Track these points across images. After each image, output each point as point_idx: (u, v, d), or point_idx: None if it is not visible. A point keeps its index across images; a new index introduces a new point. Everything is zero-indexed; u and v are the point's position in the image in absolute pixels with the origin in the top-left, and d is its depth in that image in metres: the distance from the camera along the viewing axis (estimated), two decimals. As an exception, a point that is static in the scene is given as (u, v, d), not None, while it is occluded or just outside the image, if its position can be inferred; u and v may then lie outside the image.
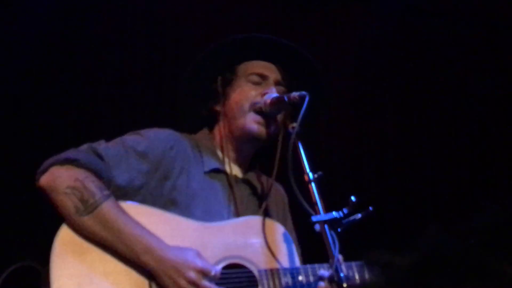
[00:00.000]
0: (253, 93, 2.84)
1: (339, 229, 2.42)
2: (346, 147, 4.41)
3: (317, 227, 2.43)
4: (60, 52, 4.12)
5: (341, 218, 2.44)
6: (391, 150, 4.46)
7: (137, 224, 2.57)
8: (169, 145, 2.79)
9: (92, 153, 2.64)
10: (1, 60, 3.99)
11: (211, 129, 2.97)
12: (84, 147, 2.67)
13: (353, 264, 2.65)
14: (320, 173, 2.53)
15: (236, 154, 2.91)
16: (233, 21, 4.20)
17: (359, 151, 4.47)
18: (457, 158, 4.38)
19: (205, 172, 2.85)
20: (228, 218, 2.80)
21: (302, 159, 2.56)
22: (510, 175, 4.26)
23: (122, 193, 2.65)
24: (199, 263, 2.52)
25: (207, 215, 2.75)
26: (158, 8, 4.30)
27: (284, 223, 2.95)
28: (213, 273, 2.53)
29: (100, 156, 2.64)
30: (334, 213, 2.44)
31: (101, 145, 2.69)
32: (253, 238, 2.73)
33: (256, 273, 2.67)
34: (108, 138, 2.79)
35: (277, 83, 2.87)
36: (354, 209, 2.47)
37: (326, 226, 2.41)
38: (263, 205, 2.86)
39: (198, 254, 2.56)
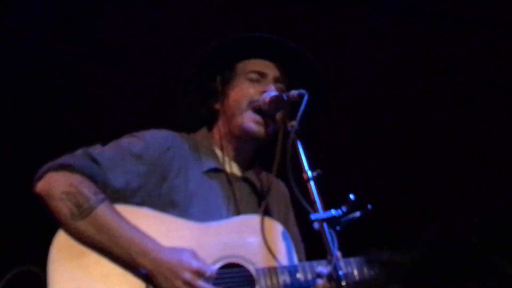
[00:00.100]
0: (251, 91, 2.84)
1: (338, 227, 2.43)
2: (345, 145, 4.41)
3: (316, 225, 2.43)
4: (58, 52, 4.11)
5: (340, 217, 2.44)
6: (391, 149, 4.47)
7: (132, 226, 2.58)
8: (166, 146, 2.80)
9: (87, 157, 2.66)
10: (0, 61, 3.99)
11: (210, 128, 2.97)
12: (79, 152, 2.69)
13: (352, 260, 2.65)
14: (319, 171, 2.53)
15: (235, 152, 2.91)
16: (233, 21, 4.20)
17: (358, 150, 4.47)
18: (457, 157, 4.39)
19: (204, 172, 2.85)
20: (228, 217, 2.79)
21: (301, 157, 2.56)
22: (510, 175, 4.26)
23: (119, 196, 2.67)
24: (194, 264, 2.53)
25: (206, 215, 2.75)
26: (157, 8, 4.30)
27: (286, 220, 2.95)
28: (208, 273, 2.54)
29: (95, 161, 2.66)
30: (333, 212, 2.44)
31: (97, 149, 2.71)
32: (250, 237, 2.73)
33: (253, 272, 2.67)
34: (108, 138, 2.80)
35: (276, 81, 2.87)
36: (353, 207, 2.47)
37: (325, 224, 2.41)
38: (263, 204, 2.86)
39: (194, 255, 2.57)
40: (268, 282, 2.65)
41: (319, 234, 2.43)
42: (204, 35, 4.12)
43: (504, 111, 4.35)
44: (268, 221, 2.78)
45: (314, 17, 4.42)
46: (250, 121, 2.81)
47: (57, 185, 2.59)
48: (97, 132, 3.96)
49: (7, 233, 3.84)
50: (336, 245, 2.39)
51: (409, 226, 2.80)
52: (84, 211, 2.56)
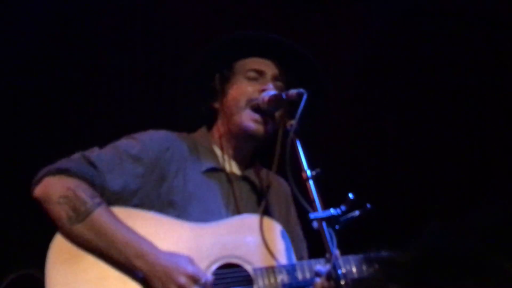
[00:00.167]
0: (250, 89, 2.83)
1: (337, 226, 2.42)
2: (344, 144, 4.41)
3: (315, 224, 2.43)
4: (57, 52, 4.11)
5: (339, 216, 2.44)
6: (390, 148, 4.47)
7: (129, 229, 2.60)
8: (164, 147, 2.80)
9: (84, 161, 2.68)
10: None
11: (210, 127, 2.96)
12: (77, 155, 2.71)
13: (350, 257, 2.65)
14: (318, 170, 2.52)
15: (234, 151, 2.90)
16: (232, 21, 4.19)
17: (357, 149, 4.47)
18: (457, 155, 4.39)
19: (203, 172, 2.85)
20: (227, 216, 2.79)
21: (300, 156, 2.56)
22: (511, 173, 4.26)
23: (118, 198, 2.68)
24: (190, 269, 2.54)
25: (205, 215, 2.75)
26: (156, 8, 4.29)
27: (287, 218, 2.94)
28: (203, 280, 2.55)
29: (92, 164, 2.67)
30: (332, 210, 2.44)
31: (94, 152, 2.73)
32: (248, 237, 2.73)
33: (251, 271, 2.67)
34: (107, 138, 2.81)
35: (274, 79, 2.86)
36: (352, 206, 2.47)
37: (324, 223, 2.41)
38: (262, 203, 2.86)
39: (190, 261, 2.58)
40: (266, 282, 2.65)
41: (318, 233, 2.43)
42: (203, 35, 4.12)
43: (504, 110, 4.35)
44: (267, 220, 2.77)
45: (314, 16, 4.42)
46: (249, 120, 2.81)
47: (54, 189, 2.61)
48: (96, 133, 3.96)
49: (7, 237, 3.84)
50: (335, 244, 2.38)
51: (408, 225, 2.79)
52: (81, 214, 2.58)
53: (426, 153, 4.42)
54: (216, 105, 2.91)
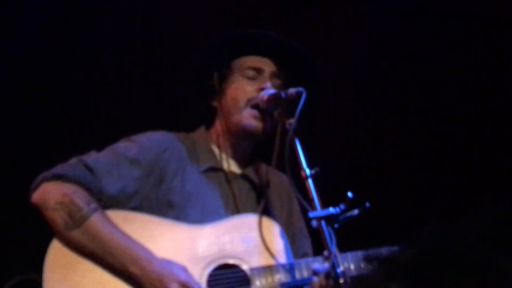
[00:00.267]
0: (249, 88, 2.83)
1: (336, 225, 2.42)
2: (343, 143, 4.41)
3: (314, 223, 2.43)
4: (56, 51, 4.10)
5: (338, 214, 2.43)
6: (389, 147, 4.46)
7: (125, 235, 2.62)
8: (162, 148, 2.81)
9: (81, 166, 2.70)
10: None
11: (208, 126, 2.96)
12: (73, 160, 2.72)
13: (348, 254, 2.65)
14: (317, 169, 2.52)
15: (233, 150, 2.90)
16: (232, 20, 4.19)
17: (356, 147, 4.47)
18: (457, 154, 4.38)
19: (202, 172, 2.85)
20: (226, 216, 2.80)
21: (299, 155, 2.56)
22: (510, 171, 4.26)
23: (115, 201, 2.70)
24: (183, 276, 2.56)
25: (204, 215, 2.76)
26: (155, 7, 4.28)
27: (289, 213, 2.93)
28: (196, 287, 2.56)
29: (89, 169, 2.69)
30: (331, 209, 2.44)
31: (91, 157, 2.74)
32: (245, 237, 2.73)
33: (248, 271, 2.67)
34: (106, 139, 2.83)
35: (272, 76, 2.86)
36: (351, 205, 2.47)
37: (323, 222, 2.41)
38: (262, 202, 2.85)
39: (184, 269, 2.60)
40: (263, 281, 2.65)
41: (317, 231, 2.43)
42: (202, 34, 4.10)
43: (504, 109, 4.35)
44: (264, 219, 2.77)
45: (314, 15, 4.41)
46: (249, 117, 2.80)
47: (51, 195, 2.64)
48: (96, 133, 3.95)
49: (8, 242, 3.84)
50: (334, 242, 2.38)
51: (408, 224, 2.79)
52: (77, 221, 2.60)
53: (426, 152, 4.42)
54: (215, 103, 2.91)
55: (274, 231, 2.76)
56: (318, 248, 2.45)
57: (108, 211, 2.68)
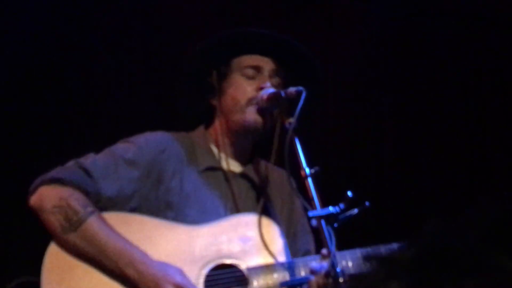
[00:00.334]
0: (249, 88, 2.82)
1: (335, 225, 2.42)
2: (343, 142, 4.41)
3: (314, 222, 2.43)
4: (55, 50, 4.10)
5: (337, 213, 2.43)
6: (389, 146, 4.46)
7: (121, 237, 2.64)
8: (160, 149, 2.81)
9: (78, 169, 2.71)
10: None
11: (207, 125, 2.96)
12: (71, 163, 2.74)
13: (347, 252, 2.65)
14: (317, 168, 2.52)
15: (233, 148, 2.90)
16: (232, 20, 4.18)
17: (356, 147, 4.46)
18: (457, 153, 4.38)
19: (201, 171, 2.85)
20: (226, 215, 2.79)
21: (299, 154, 2.55)
22: (510, 171, 4.26)
23: (114, 203, 2.72)
24: (178, 279, 2.58)
25: (203, 215, 2.76)
26: (154, 6, 4.28)
27: (291, 210, 2.92)
28: None
29: (86, 171, 2.70)
30: (331, 208, 2.43)
31: (88, 159, 2.75)
32: (243, 236, 2.73)
33: (245, 271, 2.67)
34: (106, 139, 2.84)
35: (272, 75, 2.85)
36: (350, 204, 2.47)
37: (322, 221, 2.40)
38: (261, 200, 2.85)
39: (180, 272, 2.61)
40: (261, 281, 2.65)
41: (317, 231, 2.42)
42: (202, 33, 4.09)
43: (504, 109, 4.34)
44: (262, 218, 2.76)
45: (314, 14, 4.41)
46: (251, 116, 2.79)
47: (48, 199, 2.66)
48: (95, 134, 3.95)
49: (8, 244, 3.85)
50: (333, 242, 2.38)
51: (408, 223, 2.79)
52: (73, 224, 2.62)
53: (426, 151, 4.42)
54: (214, 101, 2.91)
55: (272, 230, 2.75)
56: (318, 247, 2.44)
57: (106, 213, 2.69)
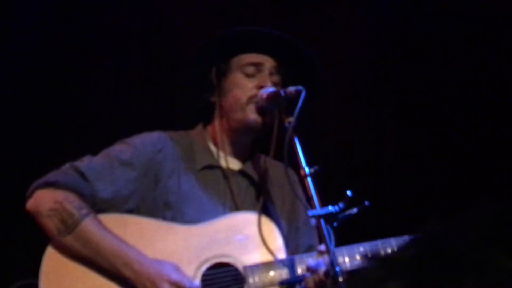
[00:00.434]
0: (249, 85, 2.82)
1: (335, 224, 2.42)
2: (343, 141, 4.40)
3: (313, 221, 2.43)
4: (53, 49, 4.09)
5: (337, 213, 2.43)
6: (389, 145, 4.46)
7: (116, 237, 2.65)
8: (156, 149, 2.82)
9: (73, 172, 2.73)
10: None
11: (206, 123, 2.95)
12: (66, 166, 2.76)
13: (344, 248, 2.67)
14: (316, 167, 2.52)
15: (232, 146, 2.89)
16: (231, 20, 4.18)
17: (356, 146, 4.46)
18: (457, 152, 4.38)
19: (199, 170, 2.85)
20: (224, 213, 2.80)
21: (298, 153, 2.55)
22: (510, 170, 4.26)
23: (110, 205, 2.74)
24: (174, 276, 2.59)
25: (201, 214, 2.77)
26: (153, 5, 4.28)
27: (293, 205, 2.91)
28: (188, 285, 2.59)
29: (81, 174, 2.72)
30: (330, 208, 2.43)
31: (84, 162, 2.77)
32: (238, 235, 2.74)
33: (241, 270, 2.67)
34: (105, 138, 2.86)
35: (273, 72, 2.85)
36: (350, 203, 2.47)
37: (322, 221, 2.40)
38: (261, 198, 2.85)
39: (176, 268, 2.62)
40: (257, 279, 2.66)
41: (317, 230, 2.42)
42: (202, 32, 4.09)
43: (504, 109, 4.34)
44: (259, 217, 2.76)
45: (314, 13, 4.41)
46: (252, 114, 2.79)
47: (43, 202, 2.69)
48: (95, 134, 3.95)
49: (8, 247, 3.85)
50: (333, 241, 2.38)
51: (407, 223, 2.79)
52: (69, 226, 2.64)
53: (425, 151, 4.42)
54: (213, 99, 2.90)
55: (269, 228, 2.75)
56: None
57: (103, 215, 2.71)
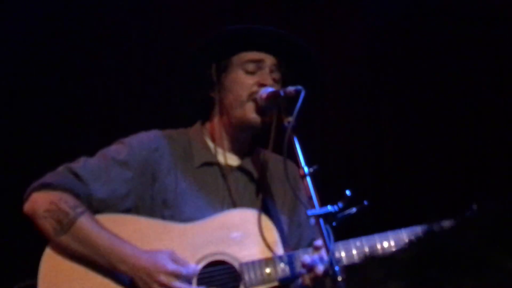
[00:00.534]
0: (250, 82, 2.82)
1: (334, 223, 2.42)
2: (342, 141, 4.40)
3: (313, 221, 2.43)
4: (52, 49, 4.09)
5: (336, 212, 2.43)
6: (388, 144, 4.46)
7: (111, 235, 2.67)
8: (152, 148, 2.83)
9: (68, 173, 2.75)
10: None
11: (204, 120, 2.95)
12: (61, 168, 2.78)
13: (340, 243, 2.67)
14: (315, 167, 2.52)
15: (231, 143, 2.89)
16: (231, 19, 4.18)
17: (355, 146, 4.46)
18: (456, 152, 4.38)
19: (197, 167, 2.85)
20: (223, 210, 2.80)
21: (298, 153, 2.55)
22: (510, 169, 4.26)
23: (107, 205, 2.75)
24: (169, 266, 2.60)
25: (199, 211, 2.77)
26: (154, 4, 4.27)
27: (293, 201, 2.90)
28: (184, 273, 2.59)
29: (76, 175, 2.74)
30: (329, 207, 2.43)
31: (79, 163, 2.79)
32: (234, 232, 2.74)
33: (237, 267, 2.67)
34: (104, 139, 2.86)
35: (273, 69, 2.85)
36: (349, 203, 2.47)
37: (321, 220, 2.40)
38: (260, 194, 2.84)
39: (170, 256, 2.63)
40: (252, 276, 2.66)
41: (316, 229, 2.42)
42: (201, 32, 4.09)
43: (504, 109, 4.35)
44: (256, 213, 2.75)
45: (314, 12, 4.41)
46: (251, 111, 2.79)
47: (39, 204, 2.71)
48: (95, 135, 3.95)
49: (9, 248, 3.86)
50: (332, 240, 2.38)
51: (407, 223, 2.79)
52: (64, 226, 2.67)
53: (424, 150, 4.42)
54: (212, 94, 2.90)
55: (266, 225, 2.75)
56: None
57: (100, 216, 2.72)
